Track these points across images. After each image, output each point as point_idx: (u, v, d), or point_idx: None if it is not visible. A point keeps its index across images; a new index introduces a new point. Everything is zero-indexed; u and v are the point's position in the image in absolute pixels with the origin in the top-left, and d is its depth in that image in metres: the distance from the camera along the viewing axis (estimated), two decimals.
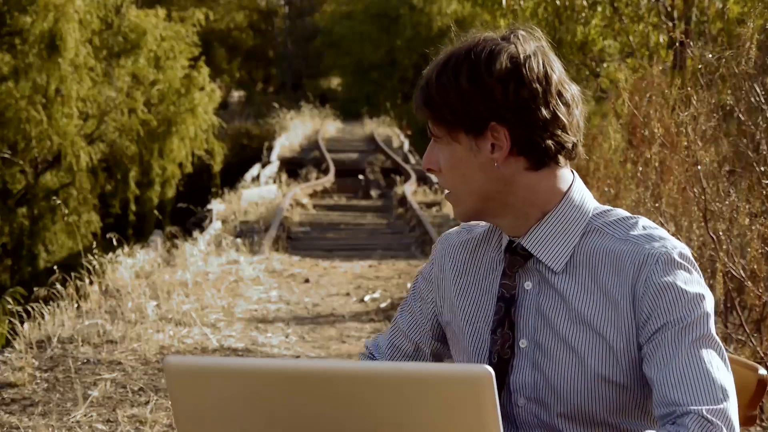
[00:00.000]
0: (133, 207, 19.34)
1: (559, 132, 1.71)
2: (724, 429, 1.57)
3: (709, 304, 1.68)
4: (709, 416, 1.57)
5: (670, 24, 8.27)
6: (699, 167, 4.39)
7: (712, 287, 4.60)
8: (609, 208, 1.80)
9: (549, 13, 9.80)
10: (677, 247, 1.70)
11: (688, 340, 1.64)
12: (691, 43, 5.51)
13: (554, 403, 1.72)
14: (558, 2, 9.56)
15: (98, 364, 5.33)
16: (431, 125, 1.74)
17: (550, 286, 1.75)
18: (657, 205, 4.82)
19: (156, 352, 5.61)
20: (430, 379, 1.35)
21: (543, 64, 1.71)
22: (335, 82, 43.58)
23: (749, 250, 4.20)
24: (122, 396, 4.81)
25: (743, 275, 4.22)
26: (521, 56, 1.70)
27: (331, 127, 29.49)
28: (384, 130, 28.44)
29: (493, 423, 1.34)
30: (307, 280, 8.71)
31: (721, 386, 1.60)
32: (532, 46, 1.72)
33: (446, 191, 1.80)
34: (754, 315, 4.54)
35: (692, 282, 1.68)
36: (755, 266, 4.18)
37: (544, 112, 1.69)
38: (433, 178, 18.76)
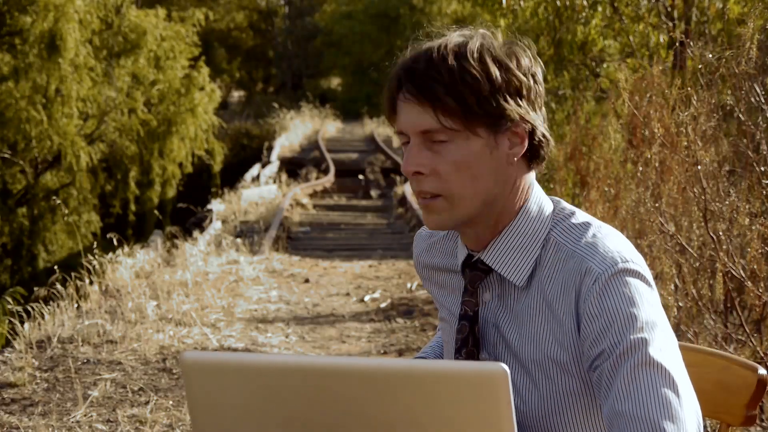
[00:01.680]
0: (133, 207, 19.34)
1: (546, 129, 1.70)
2: None
3: (650, 320, 1.57)
4: None
5: (670, 24, 8.27)
6: (699, 167, 4.39)
7: (712, 287, 4.60)
8: (569, 210, 1.71)
9: (549, 13, 9.80)
10: (618, 261, 1.60)
11: (624, 369, 1.54)
12: (691, 43, 5.51)
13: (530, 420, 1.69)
14: (558, 2, 9.56)
15: (98, 364, 5.33)
16: (440, 118, 1.61)
17: (508, 301, 1.70)
18: (657, 205, 4.82)
19: (156, 352, 5.61)
20: (446, 377, 1.36)
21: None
22: (335, 82, 43.57)
23: (749, 250, 4.20)
24: (122, 396, 4.81)
25: (743, 275, 4.22)
26: (530, 55, 1.67)
27: (331, 127, 29.49)
28: (384, 130, 28.44)
29: (508, 420, 1.35)
30: (307, 280, 8.71)
31: (655, 419, 1.50)
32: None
33: (432, 197, 1.66)
34: (754, 315, 4.54)
35: (628, 301, 1.57)
36: (755, 266, 4.18)
37: (543, 111, 1.69)
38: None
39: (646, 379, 1.53)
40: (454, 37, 1.66)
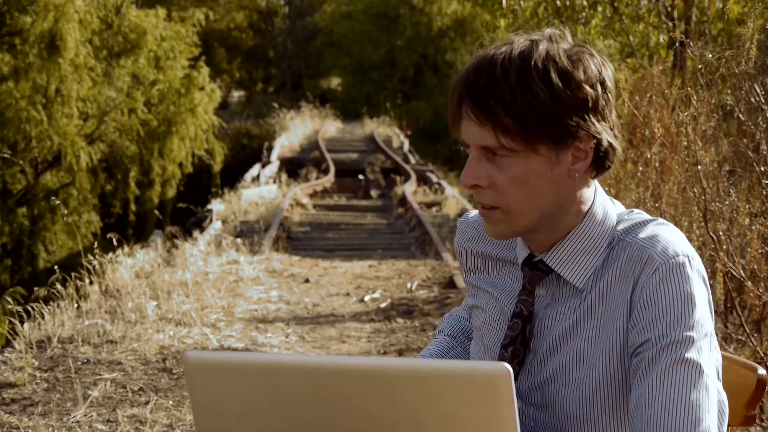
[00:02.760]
0: (133, 207, 19.34)
1: (615, 139, 1.65)
2: None
3: (701, 322, 1.57)
4: None
5: (670, 24, 8.27)
6: (699, 167, 4.39)
7: (712, 287, 4.60)
8: (628, 211, 1.71)
9: (549, 13, 9.80)
10: (680, 254, 1.60)
11: (664, 362, 1.54)
12: (691, 43, 5.51)
13: (548, 418, 1.69)
14: (558, 2, 9.55)
15: (98, 364, 5.33)
16: (500, 138, 1.58)
17: (562, 300, 1.69)
18: (657, 205, 4.82)
19: (156, 352, 5.61)
20: (449, 376, 1.36)
21: (603, 66, 1.63)
22: (335, 82, 43.57)
23: (749, 250, 4.20)
24: (122, 396, 4.81)
25: (743, 275, 4.22)
26: (599, 61, 1.62)
27: (331, 127, 29.50)
28: (384, 130, 28.45)
29: (511, 420, 1.35)
30: (307, 280, 8.71)
31: (684, 418, 1.51)
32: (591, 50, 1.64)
33: (490, 208, 1.65)
34: (754, 315, 4.54)
35: (685, 297, 1.57)
36: (755, 266, 4.18)
37: (613, 116, 1.64)
38: (434, 178, 18.62)
39: (681, 378, 1.53)
40: (520, 44, 1.61)
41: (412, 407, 1.37)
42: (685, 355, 1.54)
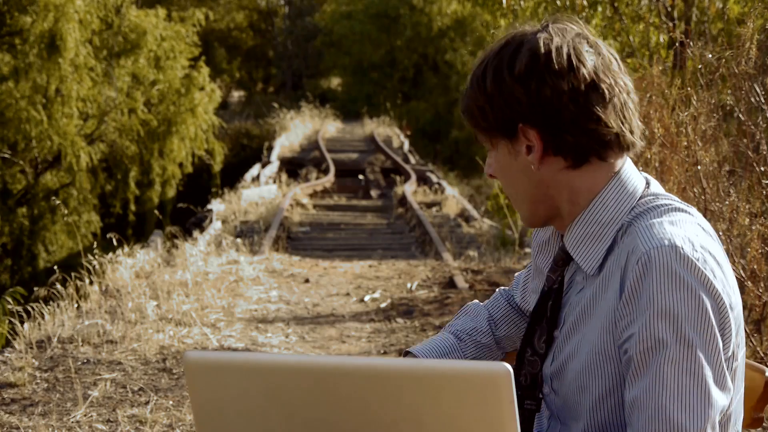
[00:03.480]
0: (133, 207, 19.34)
1: (593, 126, 1.63)
2: None
3: (690, 315, 1.53)
4: None
5: (670, 24, 8.27)
6: (699, 167, 4.39)
7: None
8: (657, 194, 1.69)
9: (549, 13, 9.80)
10: (666, 242, 1.56)
11: (654, 365, 1.53)
12: (691, 43, 5.51)
13: (569, 399, 1.70)
14: (558, 2, 9.55)
15: (98, 364, 5.33)
16: (475, 133, 1.73)
17: (580, 288, 1.71)
18: None
19: (156, 352, 5.61)
20: (449, 376, 1.36)
21: (569, 57, 1.63)
22: (335, 82, 43.56)
23: (749, 250, 4.20)
24: (122, 396, 4.81)
25: (743, 275, 4.21)
26: (543, 52, 1.63)
27: (331, 127, 29.49)
28: (384, 130, 28.45)
29: (511, 420, 1.35)
30: (307, 280, 8.71)
31: (678, 424, 1.50)
32: (561, 39, 1.65)
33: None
34: (754, 315, 4.54)
35: (666, 289, 1.54)
36: (755, 266, 4.17)
37: (572, 107, 1.63)
38: (434, 178, 18.64)
39: (673, 379, 1.52)
40: (492, 45, 1.72)
41: (412, 407, 1.37)
42: (673, 355, 1.52)
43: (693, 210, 1.68)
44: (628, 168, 1.70)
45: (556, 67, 1.62)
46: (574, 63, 1.63)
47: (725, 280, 1.60)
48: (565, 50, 1.63)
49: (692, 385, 1.52)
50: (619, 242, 1.65)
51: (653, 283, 1.54)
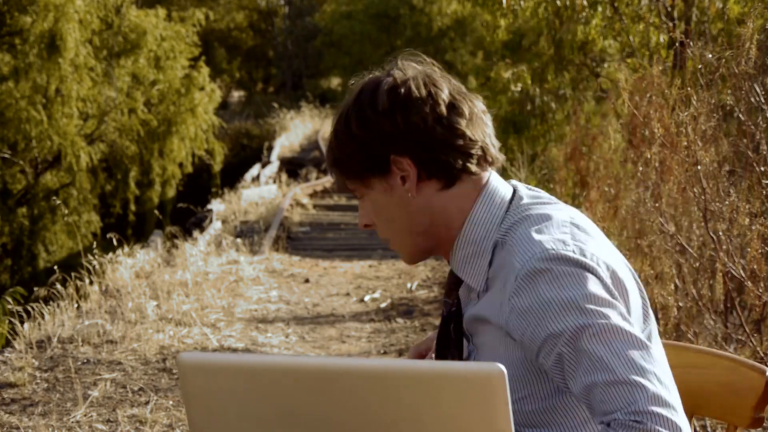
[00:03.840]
0: (133, 207, 19.33)
1: (461, 143, 1.73)
2: (650, 423, 1.50)
3: (592, 295, 1.60)
4: (626, 420, 1.52)
5: (670, 24, 8.27)
6: (699, 167, 4.39)
7: (712, 287, 4.60)
8: (528, 202, 1.76)
9: (549, 13, 9.80)
10: (538, 253, 1.63)
11: (582, 346, 1.57)
12: (691, 43, 5.51)
13: None
14: (558, 2, 9.55)
15: (98, 364, 5.33)
16: (348, 184, 1.79)
17: (476, 302, 1.78)
18: (657, 205, 4.82)
19: (156, 352, 5.61)
20: (444, 377, 1.36)
21: (424, 84, 1.73)
22: (335, 82, 43.54)
23: (749, 250, 4.20)
24: (122, 396, 4.81)
25: (743, 275, 4.21)
26: (400, 84, 1.73)
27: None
28: None
29: (505, 420, 1.35)
30: (307, 280, 8.71)
31: (629, 381, 1.53)
32: (414, 71, 1.76)
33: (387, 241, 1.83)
34: (754, 315, 4.54)
35: (565, 283, 1.61)
36: (755, 266, 4.17)
37: (439, 129, 1.72)
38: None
39: (604, 348, 1.56)
40: (347, 98, 1.80)
41: (407, 408, 1.38)
42: (592, 332, 1.57)
43: (561, 205, 1.77)
44: (494, 181, 1.78)
45: (416, 94, 1.72)
46: (431, 89, 1.73)
47: (602, 254, 1.67)
48: (420, 80, 1.74)
49: (622, 344, 1.56)
50: (497, 257, 1.73)
51: (540, 290, 1.61)
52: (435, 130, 1.72)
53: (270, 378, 1.41)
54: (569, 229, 1.69)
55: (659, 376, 1.54)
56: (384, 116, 1.73)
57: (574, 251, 1.64)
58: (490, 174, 1.78)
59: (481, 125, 1.75)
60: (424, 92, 1.72)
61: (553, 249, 1.63)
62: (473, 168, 1.74)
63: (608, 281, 1.63)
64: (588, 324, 1.57)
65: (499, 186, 1.78)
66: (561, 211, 1.74)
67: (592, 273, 1.62)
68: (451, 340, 1.81)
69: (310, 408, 1.41)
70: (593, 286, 1.61)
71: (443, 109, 1.72)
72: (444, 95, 1.73)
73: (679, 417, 1.51)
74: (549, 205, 1.76)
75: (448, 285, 1.82)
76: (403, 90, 1.73)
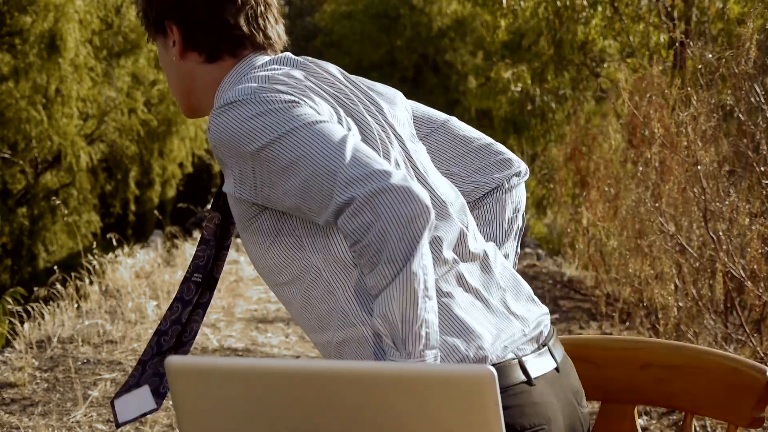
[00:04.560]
0: (133, 207, 19.33)
1: (224, 27, 1.87)
2: (360, 199, 1.56)
3: (273, 116, 1.67)
4: (337, 205, 1.60)
5: (670, 24, 8.27)
6: (699, 167, 4.39)
7: (712, 287, 4.60)
8: (257, 75, 1.82)
9: (549, 13, 9.80)
10: (218, 105, 1.72)
11: (271, 171, 1.67)
12: (691, 43, 5.51)
13: None
14: (558, 2, 9.55)
15: (98, 364, 5.33)
16: (147, 32, 1.97)
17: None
18: (657, 205, 4.82)
19: None
20: (433, 379, 1.36)
21: None
22: None
23: (749, 250, 4.20)
24: None
25: (743, 275, 4.21)
26: None
27: None
28: None
29: (496, 422, 1.35)
30: None
31: (328, 170, 1.61)
32: None
33: None
34: (754, 315, 4.54)
35: (222, 133, 1.70)
36: (755, 266, 4.17)
37: (202, 10, 1.88)
38: None
39: (300, 151, 1.64)
40: None
41: (398, 410, 1.37)
42: (279, 150, 1.66)
43: (285, 68, 1.85)
44: (257, 58, 1.90)
45: None
46: None
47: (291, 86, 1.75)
48: None
49: (319, 144, 1.64)
50: None
51: (216, 137, 1.71)
52: (198, 10, 1.88)
53: (258, 382, 1.41)
54: (273, 74, 1.79)
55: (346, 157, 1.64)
56: None
57: (249, 93, 1.72)
58: (257, 55, 1.89)
59: (254, 17, 1.89)
60: None
61: (230, 98, 1.72)
62: (235, 51, 1.88)
63: (272, 98, 1.71)
64: (271, 141, 1.68)
65: (257, 60, 1.89)
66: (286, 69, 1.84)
67: (263, 96, 1.72)
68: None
69: (300, 411, 1.40)
70: (262, 106, 1.70)
71: None
72: None
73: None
74: (275, 68, 1.85)
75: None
76: None
